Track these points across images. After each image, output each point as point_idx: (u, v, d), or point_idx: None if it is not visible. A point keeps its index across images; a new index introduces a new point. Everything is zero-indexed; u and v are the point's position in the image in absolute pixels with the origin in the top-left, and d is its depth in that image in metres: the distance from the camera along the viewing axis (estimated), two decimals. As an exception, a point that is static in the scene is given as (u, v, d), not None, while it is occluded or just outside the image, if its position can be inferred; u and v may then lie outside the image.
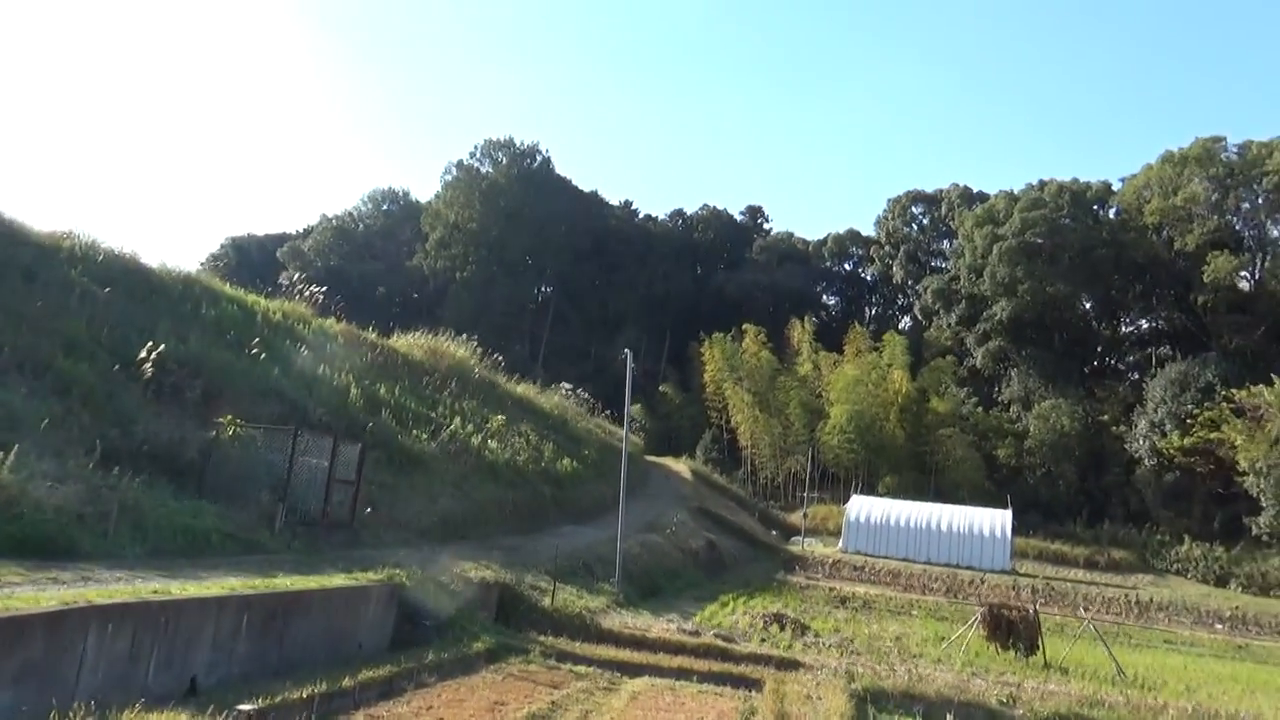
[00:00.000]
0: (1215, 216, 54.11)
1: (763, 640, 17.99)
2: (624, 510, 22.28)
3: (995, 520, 44.86)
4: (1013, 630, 19.20)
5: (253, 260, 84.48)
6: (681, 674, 14.07)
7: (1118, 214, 61.48)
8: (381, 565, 14.53)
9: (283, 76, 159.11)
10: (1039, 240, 57.48)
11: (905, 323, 76.81)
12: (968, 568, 42.36)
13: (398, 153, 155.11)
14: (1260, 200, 54.06)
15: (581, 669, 13.71)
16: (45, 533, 11.72)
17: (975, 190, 72.17)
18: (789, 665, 15.47)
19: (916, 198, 76.87)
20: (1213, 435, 45.70)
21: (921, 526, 45.41)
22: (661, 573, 25.38)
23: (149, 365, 17.64)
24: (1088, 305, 63.80)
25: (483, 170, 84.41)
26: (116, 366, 17.41)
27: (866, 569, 40.67)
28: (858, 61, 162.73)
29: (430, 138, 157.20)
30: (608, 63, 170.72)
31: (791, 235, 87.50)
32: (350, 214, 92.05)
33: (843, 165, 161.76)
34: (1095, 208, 61.94)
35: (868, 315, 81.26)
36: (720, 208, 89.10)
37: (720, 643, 16.54)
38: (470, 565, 17.00)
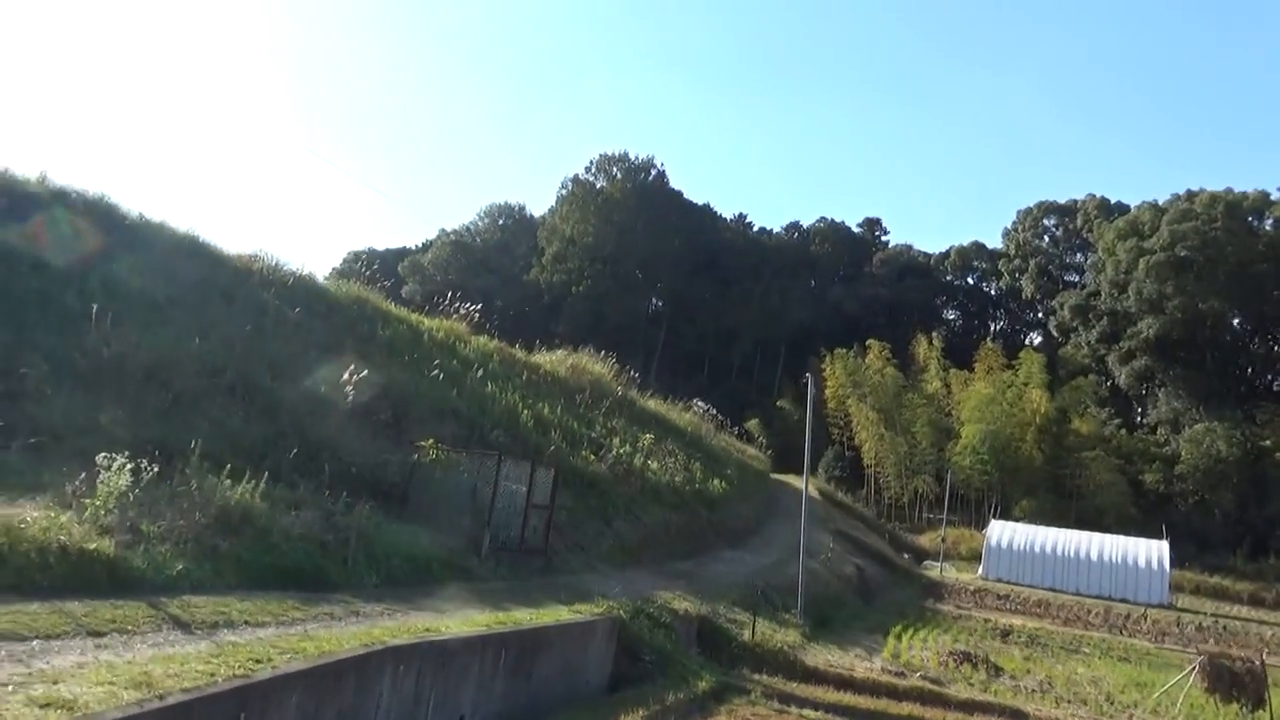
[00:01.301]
0: (1391, 227, 50.43)
1: (969, 683, 17.12)
2: (804, 539, 21.68)
3: (1150, 551, 42.43)
4: (1236, 682, 17.80)
5: (374, 274, 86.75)
6: (912, 723, 13.43)
7: (1277, 226, 57.79)
8: (599, 596, 14.36)
9: (400, 93, 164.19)
10: (1190, 254, 54.42)
11: (1034, 339, 73.88)
12: (1120, 600, 40.21)
13: (514, 168, 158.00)
14: None
15: (809, 713, 13.19)
16: (297, 562, 11.79)
17: (1114, 201, 68.99)
18: (1014, 714, 14.64)
19: (1049, 209, 73.90)
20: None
21: (1069, 555, 43.35)
22: (827, 601, 24.68)
23: (350, 388, 17.91)
24: (1234, 322, 60.12)
25: (597, 185, 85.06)
26: (323, 388, 17.71)
27: (1013, 598, 39.07)
28: (979, 68, 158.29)
29: (545, 153, 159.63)
30: (719, 75, 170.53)
31: (911, 248, 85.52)
32: (468, 229, 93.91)
33: (963, 176, 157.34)
34: (1251, 219, 58.34)
35: (992, 330, 78.53)
36: (837, 220, 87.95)
37: (931, 686, 15.79)
38: (669, 596, 16.67)
